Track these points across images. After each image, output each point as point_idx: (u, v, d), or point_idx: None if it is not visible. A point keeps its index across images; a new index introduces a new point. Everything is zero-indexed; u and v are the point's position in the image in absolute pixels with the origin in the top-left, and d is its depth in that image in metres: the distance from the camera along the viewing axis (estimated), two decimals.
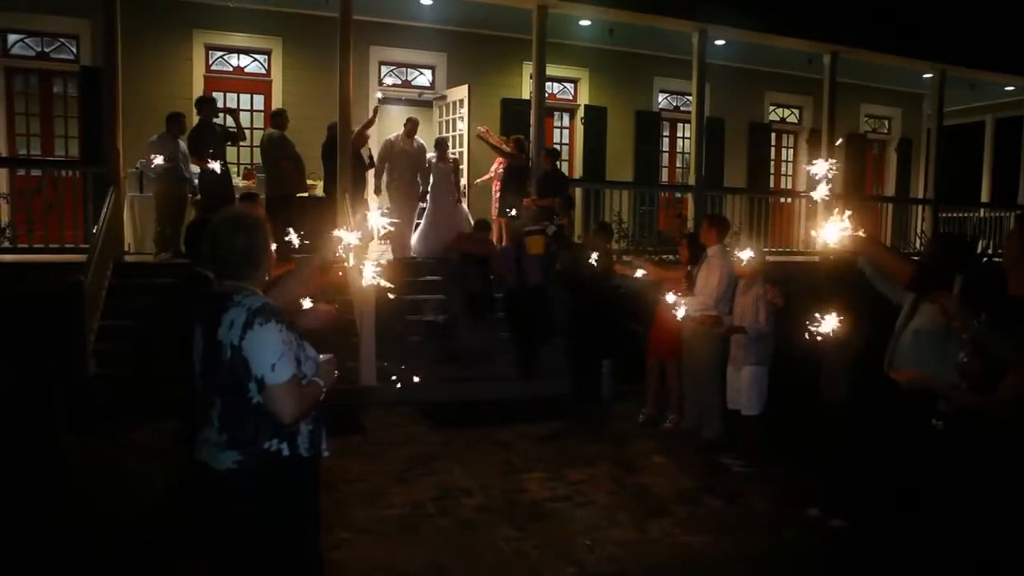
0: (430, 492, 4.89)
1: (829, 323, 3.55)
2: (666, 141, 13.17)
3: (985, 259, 7.15)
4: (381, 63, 11.10)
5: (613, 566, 3.95)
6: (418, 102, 11.89)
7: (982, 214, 13.47)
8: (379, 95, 10.22)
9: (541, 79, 9.33)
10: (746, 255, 5.18)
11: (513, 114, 11.29)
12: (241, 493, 2.26)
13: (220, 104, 8.96)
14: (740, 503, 4.85)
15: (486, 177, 10.26)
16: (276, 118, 8.88)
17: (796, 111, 14.21)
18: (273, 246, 3.06)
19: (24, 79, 9.74)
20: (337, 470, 4.88)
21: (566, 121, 12.49)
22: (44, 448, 5.32)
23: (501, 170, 10.01)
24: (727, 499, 4.89)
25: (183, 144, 8.19)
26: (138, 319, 6.82)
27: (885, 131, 15.14)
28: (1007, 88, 13.78)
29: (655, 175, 12.75)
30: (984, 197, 14.42)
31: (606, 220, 9.04)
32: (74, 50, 9.72)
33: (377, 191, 9.38)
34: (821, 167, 3.18)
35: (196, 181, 8.30)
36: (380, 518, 4.45)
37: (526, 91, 11.48)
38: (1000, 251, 3.81)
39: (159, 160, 7.83)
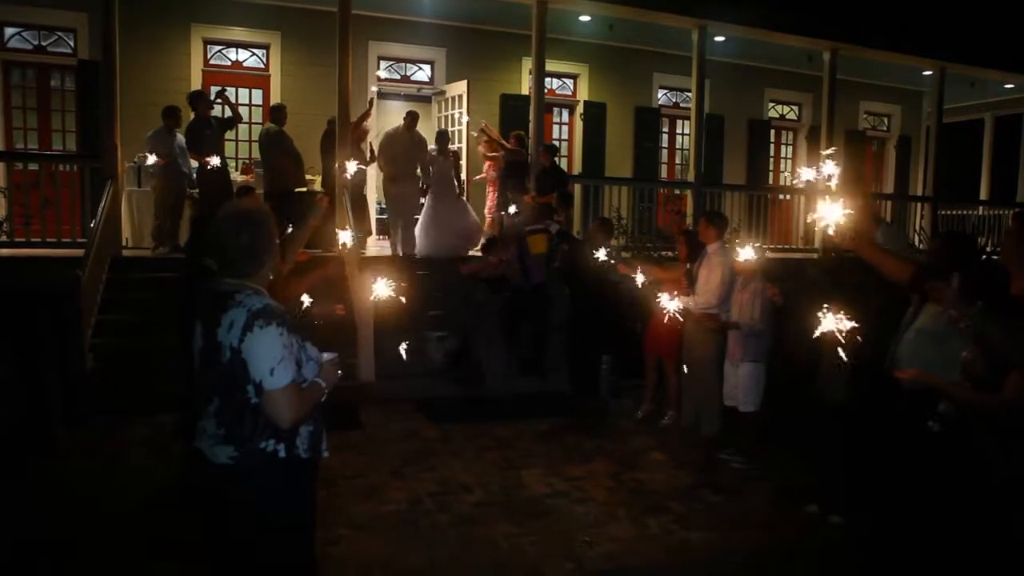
0: (429, 488, 4.88)
1: (830, 322, 3.53)
2: (665, 137, 13.16)
3: (984, 256, 7.15)
4: (380, 58, 11.07)
5: (611, 562, 3.95)
6: (417, 97, 11.86)
7: (981, 212, 13.47)
8: (374, 89, 10.13)
9: (540, 75, 9.30)
10: (747, 252, 5.17)
11: (512, 110, 11.28)
12: (236, 488, 2.24)
13: (213, 95, 8.86)
14: (738, 499, 4.85)
15: (481, 176, 10.24)
16: (275, 113, 8.85)
17: (795, 108, 14.20)
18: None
19: (21, 72, 9.71)
20: (335, 466, 4.88)
21: (565, 117, 12.48)
22: (41, 443, 5.30)
23: (493, 173, 10.01)
24: (725, 495, 4.89)
25: (181, 138, 8.16)
26: (136, 313, 6.82)
27: (884, 128, 15.14)
28: (1007, 86, 13.78)
29: (654, 171, 12.74)
30: (983, 195, 14.43)
31: (605, 216, 9.02)
32: (72, 44, 9.69)
33: (356, 191, 9.04)
34: (811, 172, 3.19)
35: (194, 176, 8.27)
36: (378, 514, 4.44)
37: (525, 87, 11.47)
38: (999, 249, 3.80)
39: (151, 160, 7.83)
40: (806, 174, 3.22)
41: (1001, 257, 2.93)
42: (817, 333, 3.30)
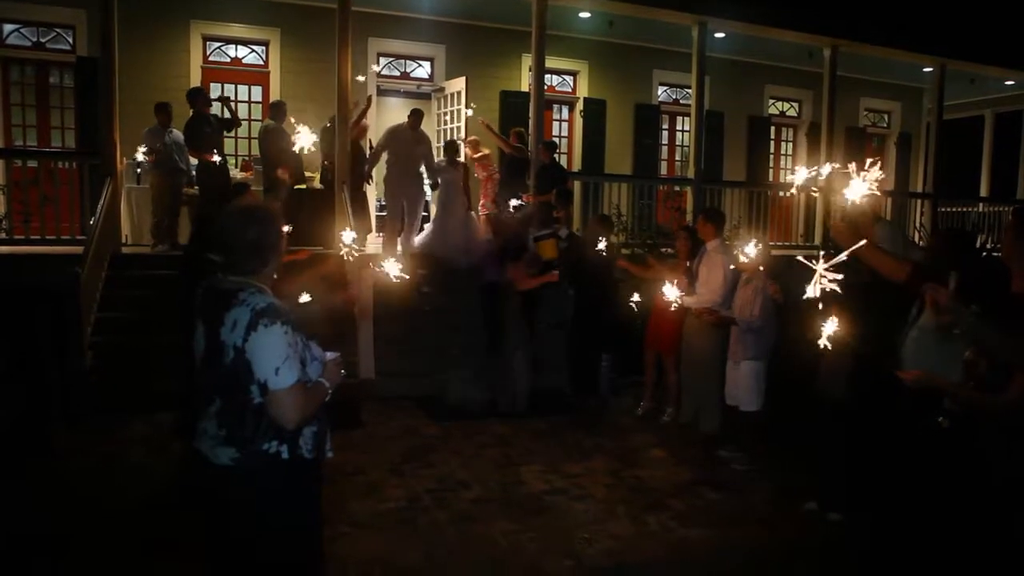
0: (428, 485, 4.88)
1: (830, 327, 3.51)
2: (665, 134, 13.14)
3: (984, 253, 7.14)
4: (380, 55, 11.05)
5: (610, 559, 3.95)
6: (417, 94, 11.85)
7: (981, 208, 13.46)
8: (371, 86, 10.10)
9: (540, 71, 9.28)
10: (750, 249, 5.15)
11: (512, 107, 11.27)
12: (237, 489, 2.21)
13: (216, 97, 8.84)
14: (737, 497, 4.84)
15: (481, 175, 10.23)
16: (274, 109, 8.84)
17: (796, 105, 14.18)
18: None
19: (20, 69, 9.69)
20: (335, 463, 4.83)
21: (565, 114, 12.46)
22: (39, 441, 5.30)
23: (483, 173, 9.99)
24: (724, 493, 4.89)
25: (176, 133, 8.15)
26: (135, 311, 6.81)
27: (885, 125, 15.12)
28: (1007, 82, 13.77)
29: (654, 168, 12.73)
30: (983, 191, 14.42)
31: (605, 213, 9.01)
32: (70, 40, 9.67)
33: (367, 178, 9.04)
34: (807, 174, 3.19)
35: (193, 173, 8.26)
36: (377, 511, 4.44)
37: (525, 83, 11.45)
38: (999, 245, 3.80)
39: (140, 154, 7.82)
40: (800, 176, 3.21)
41: (1001, 254, 2.92)
42: (821, 341, 3.29)
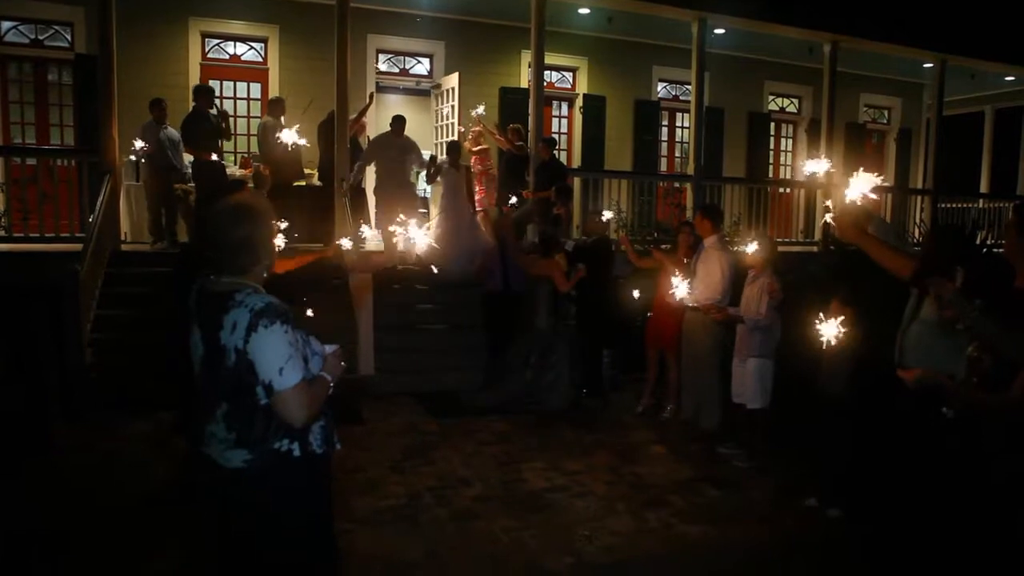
0: (428, 482, 4.88)
1: (831, 326, 3.50)
2: (665, 130, 13.12)
3: (984, 250, 7.13)
4: (379, 51, 11.03)
5: (611, 556, 3.95)
6: (416, 91, 11.83)
7: (981, 204, 13.45)
8: (370, 84, 10.05)
9: (540, 68, 9.26)
10: (755, 246, 5.15)
11: (512, 103, 11.24)
12: (251, 491, 2.18)
13: (217, 98, 8.78)
14: (738, 493, 4.85)
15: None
16: (273, 106, 8.82)
17: (796, 101, 14.16)
18: (281, 241, 3.01)
19: (18, 67, 9.66)
20: (335, 460, 4.84)
21: (565, 110, 12.43)
22: (38, 437, 5.30)
23: (480, 167, 9.97)
24: (725, 489, 4.89)
25: (171, 130, 8.14)
26: (135, 308, 6.81)
27: (885, 121, 15.10)
28: (1007, 78, 13.74)
29: (654, 165, 12.71)
30: (983, 187, 14.39)
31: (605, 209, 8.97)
32: (69, 38, 9.64)
33: (354, 185, 8.63)
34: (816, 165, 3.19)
35: (189, 170, 8.24)
36: (378, 508, 4.44)
37: (525, 80, 11.43)
38: (1001, 242, 3.79)
39: (137, 144, 7.83)
40: (811, 166, 3.20)
41: (1004, 251, 2.91)
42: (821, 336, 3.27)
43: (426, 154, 9.58)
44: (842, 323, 3.51)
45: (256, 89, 10.52)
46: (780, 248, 5.69)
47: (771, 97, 13.89)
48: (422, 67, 11.44)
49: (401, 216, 4.02)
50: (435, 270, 7.23)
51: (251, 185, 8.05)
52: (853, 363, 4.29)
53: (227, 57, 10.40)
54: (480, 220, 8.77)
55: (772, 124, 13.94)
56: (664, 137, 13.11)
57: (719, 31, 10.95)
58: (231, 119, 8.73)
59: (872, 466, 4.07)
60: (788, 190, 12.31)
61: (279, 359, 2.08)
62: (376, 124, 10.35)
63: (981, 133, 14.94)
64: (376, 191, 8.78)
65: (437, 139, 11.10)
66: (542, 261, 6.73)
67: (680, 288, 5.24)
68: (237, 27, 10.26)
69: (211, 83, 9.29)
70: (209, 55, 10.24)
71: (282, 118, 8.58)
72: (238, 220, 2.18)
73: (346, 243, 4.35)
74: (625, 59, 12.33)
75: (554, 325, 6.63)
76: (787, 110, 14.16)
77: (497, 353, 6.96)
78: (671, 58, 12.03)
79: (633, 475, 5.13)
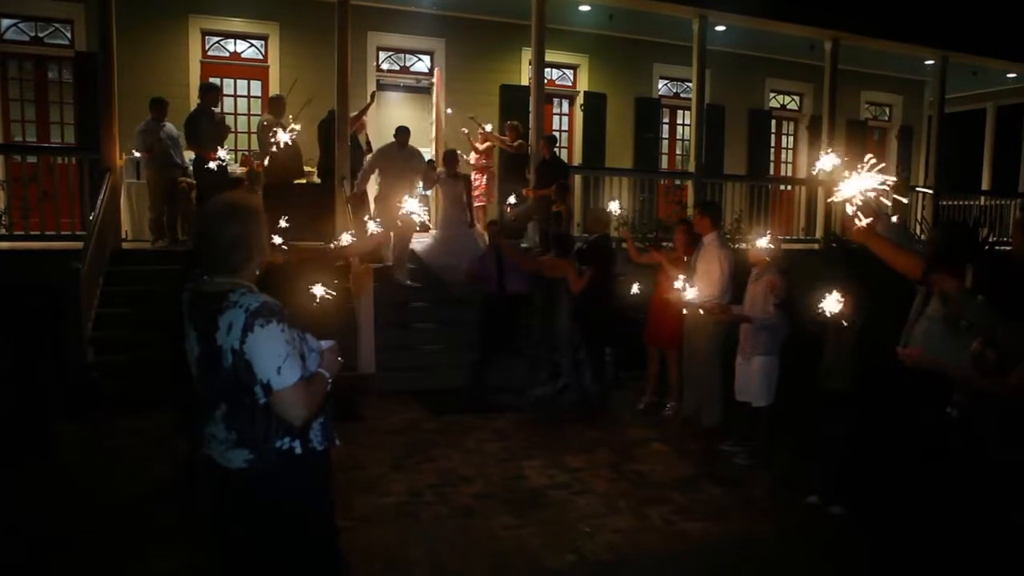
0: (429, 480, 4.88)
1: (832, 302, 3.51)
2: (666, 128, 13.10)
3: (987, 247, 7.12)
4: (379, 48, 11.01)
5: (612, 553, 3.95)
6: (416, 88, 11.80)
7: (983, 202, 13.42)
8: (371, 82, 10.02)
9: (540, 65, 9.25)
10: (759, 243, 5.13)
11: (512, 101, 11.23)
12: (254, 491, 2.17)
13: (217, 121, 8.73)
14: (739, 490, 4.84)
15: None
16: (272, 104, 8.81)
17: (797, 98, 14.14)
18: (278, 239, 3.00)
19: (18, 64, 9.66)
20: (336, 458, 4.79)
21: (565, 108, 12.42)
22: (38, 435, 5.30)
23: (483, 161, 9.95)
24: (726, 486, 4.89)
25: (171, 128, 8.14)
26: (136, 307, 6.81)
27: (886, 118, 15.07)
28: (1009, 75, 13.71)
29: (655, 162, 12.69)
30: (985, 185, 14.37)
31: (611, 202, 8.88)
32: (69, 35, 9.63)
33: (357, 195, 8.38)
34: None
35: (191, 168, 8.23)
36: (378, 506, 4.44)
37: (525, 77, 11.41)
38: (1003, 239, 3.78)
39: (135, 153, 7.90)
40: (823, 163, 3.19)
41: (1012, 248, 2.90)
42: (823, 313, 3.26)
43: (425, 152, 9.56)
44: (844, 310, 3.51)
45: (256, 87, 10.51)
46: (782, 246, 5.67)
47: (772, 94, 13.87)
48: (423, 64, 11.42)
49: (403, 198, 4.12)
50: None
51: (246, 183, 8.08)
52: (854, 360, 4.28)
53: (227, 55, 10.39)
54: (482, 231, 8.73)
55: (773, 121, 13.92)
56: (665, 134, 13.10)
57: (720, 28, 10.94)
58: (227, 116, 8.73)
59: (873, 463, 4.07)
60: (789, 187, 12.29)
61: (276, 358, 2.08)
62: (376, 122, 10.34)
63: (983, 130, 14.91)
64: (376, 199, 8.50)
65: (432, 135, 11.04)
66: (559, 261, 6.75)
67: (687, 292, 5.18)
68: (237, 25, 10.25)
69: (211, 80, 9.28)
70: (209, 53, 10.23)
71: (290, 116, 8.52)
72: (230, 219, 2.17)
73: (347, 238, 4.35)
74: (626, 56, 12.31)
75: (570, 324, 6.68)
76: (788, 107, 14.14)
77: (490, 353, 6.92)
78: (672, 55, 12.01)
79: (634, 472, 5.13)
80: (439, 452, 5.43)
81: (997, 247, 8.64)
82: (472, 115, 10.14)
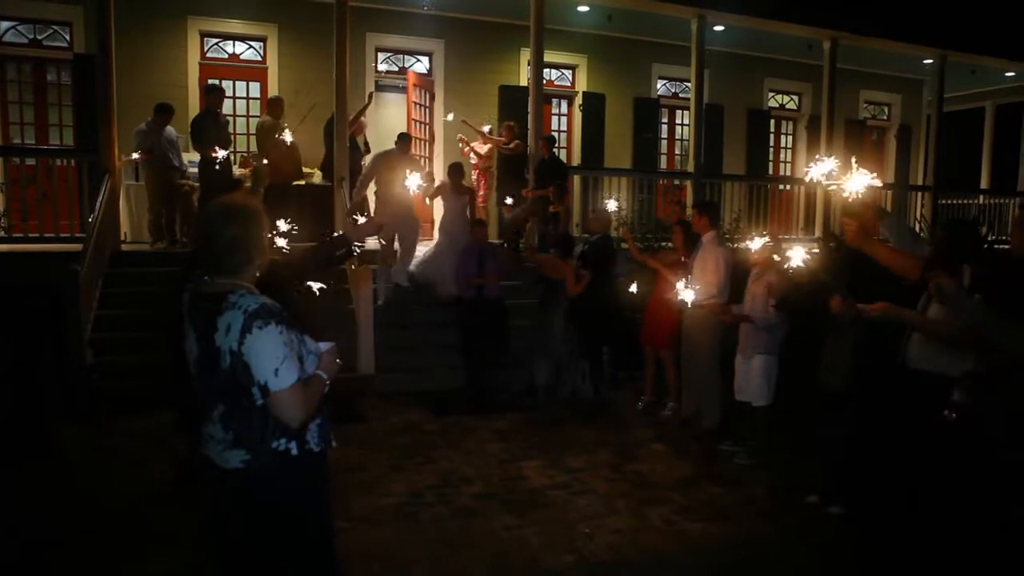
0: (429, 480, 4.89)
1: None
2: (665, 128, 13.11)
3: (986, 246, 7.13)
4: (378, 49, 11.02)
5: (612, 554, 3.95)
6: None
7: (982, 201, 13.43)
8: (369, 82, 10.01)
9: (539, 66, 9.26)
10: (758, 243, 5.12)
11: (511, 101, 11.23)
12: (250, 491, 2.18)
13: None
14: (738, 490, 4.84)
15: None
16: (271, 106, 8.81)
17: (795, 98, 14.15)
18: (282, 241, 3.00)
19: (17, 67, 9.65)
20: (335, 459, 4.79)
21: (564, 108, 12.42)
22: (38, 438, 5.30)
23: (484, 165, 9.96)
24: (726, 486, 4.89)
25: (171, 131, 8.15)
26: (135, 308, 6.81)
27: (885, 117, 15.08)
28: (1008, 74, 13.71)
29: (654, 162, 12.70)
30: (984, 184, 14.38)
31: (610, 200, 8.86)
32: (67, 37, 9.63)
33: (357, 204, 8.12)
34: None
35: (196, 169, 8.24)
36: (378, 506, 4.44)
37: (524, 78, 11.42)
38: (1004, 238, 3.79)
39: (134, 155, 7.89)
40: (817, 170, 3.19)
41: (1011, 246, 2.91)
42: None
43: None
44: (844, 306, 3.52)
45: (255, 88, 10.51)
46: (782, 245, 5.66)
47: (771, 94, 13.87)
48: (422, 65, 11.42)
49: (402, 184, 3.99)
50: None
51: (248, 184, 8.08)
52: (854, 359, 4.28)
53: (226, 56, 10.39)
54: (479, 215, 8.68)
55: (772, 121, 13.92)
56: (664, 134, 13.10)
57: (718, 28, 10.95)
58: (226, 118, 8.74)
59: (873, 462, 4.07)
60: (788, 187, 12.29)
61: (274, 360, 2.08)
62: (375, 122, 10.34)
63: (981, 129, 14.92)
64: (375, 207, 8.33)
65: (424, 134, 11.03)
66: (559, 262, 6.75)
67: (686, 293, 5.17)
68: (236, 26, 10.26)
69: (210, 82, 9.28)
70: (208, 54, 10.23)
71: (296, 117, 8.55)
72: (229, 220, 2.18)
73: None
74: (624, 56, 12.32)
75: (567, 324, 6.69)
76: (787, 107, 14.14)
77: (474, 356, 6.92)
78: (670, 55, 12.02)
79: (634, 472, 5.13)
80: (439, 453, 5.43)
81: (996, 246, 8.65)
82: (464, 119, 10.13)
